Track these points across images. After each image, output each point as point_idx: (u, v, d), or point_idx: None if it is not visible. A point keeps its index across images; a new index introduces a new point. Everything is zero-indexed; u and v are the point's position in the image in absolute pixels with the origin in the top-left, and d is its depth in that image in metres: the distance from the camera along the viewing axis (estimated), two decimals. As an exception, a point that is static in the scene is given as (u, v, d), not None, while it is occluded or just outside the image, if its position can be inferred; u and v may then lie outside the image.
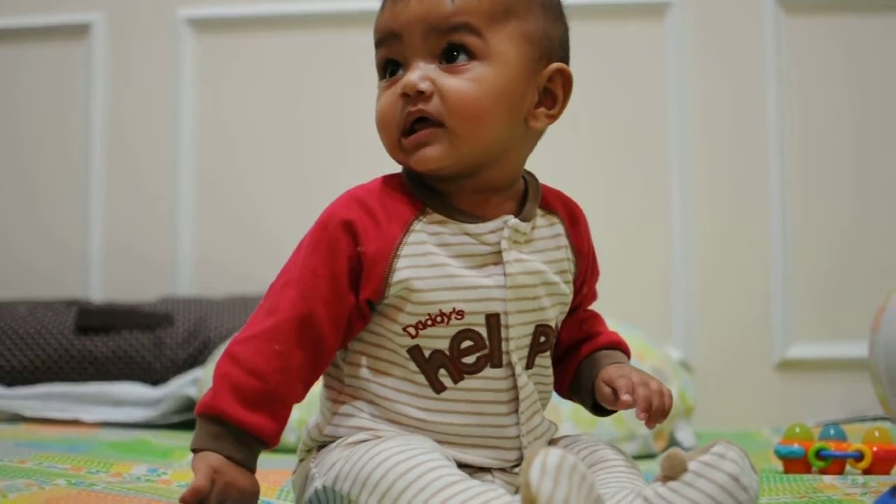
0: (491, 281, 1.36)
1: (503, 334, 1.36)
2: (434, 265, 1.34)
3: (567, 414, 2.29)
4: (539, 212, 1.44)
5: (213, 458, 1.30)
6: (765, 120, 3.25)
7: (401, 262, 1.34)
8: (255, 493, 1.31)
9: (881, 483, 1.67)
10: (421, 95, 1.34)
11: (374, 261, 1.33)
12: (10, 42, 3.51)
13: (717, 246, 3.25)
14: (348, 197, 1.38)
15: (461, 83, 1.34)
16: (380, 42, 1.40)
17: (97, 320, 2.94)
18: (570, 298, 1.47)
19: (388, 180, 1.41)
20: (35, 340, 2.90)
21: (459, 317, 1.34)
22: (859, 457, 1.91)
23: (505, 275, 1.36)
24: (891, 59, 3.25)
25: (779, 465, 1.99)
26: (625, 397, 1.37)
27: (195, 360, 2.88)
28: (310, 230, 1.38)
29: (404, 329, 1.35)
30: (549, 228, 1.45)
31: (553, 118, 1.44)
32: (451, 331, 1.34)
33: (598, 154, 3.25)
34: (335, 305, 1.33)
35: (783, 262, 3.22)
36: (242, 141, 3.44)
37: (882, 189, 3.23)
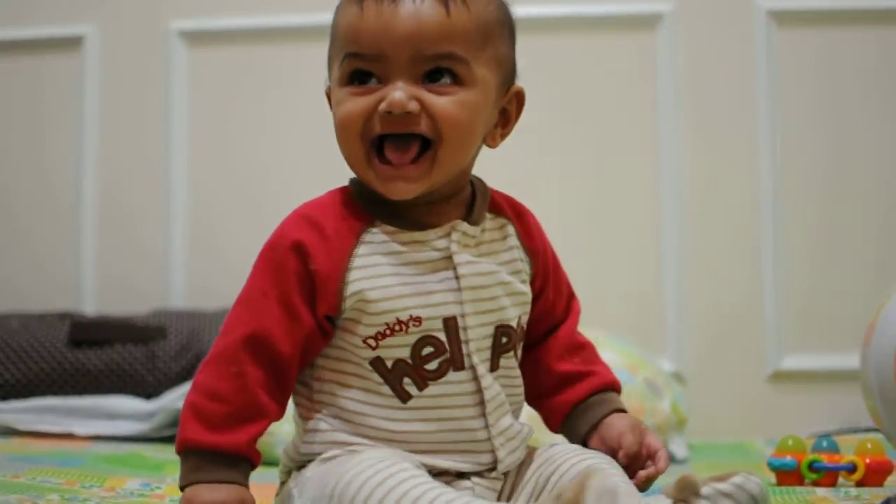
0: (444, 285, 1.38)
1: (462, 336, 1.38)
2: (386, 275, 1.36)
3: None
4: (488, 215, 1.46)
5: (189, 491, 1.31)
6: (756, 132, 3.26)
7: (353, 275, 1.35)
8: (241, 501, 1.31)
9: (874, 495, 1.67)
10: (408, 115, 1.33)
11: (326, 277, 1.35)
12: (2, 54, 3.51)
13: (709, 258, 3.25)
14: (296, 216, 1.40)
15: (451, 105, 1.35)
16: (355, 55, 1.37)
17: (90, 333, 2.94)
18: (528, 297, 1.48)
19: (337, 194, 1.43)
20: (28, 354, 2.89)
21: (417, 323, 1.35)
22: (852, 469, 1.91)
23: (457, 277, 1.38)
24: (882, 73, 3.25)
25: (771, 478, 1.99)
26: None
27: (188, 374, 2.88)
28: (261, 251, 1.41)
29: (364, 341, 1.36)
30: (499, 231, 1.47)
31: (506, 136, 1.47)
32: (411, 339, 1.36)
33: (588, 165, 3.26)
34: (288, 324, 1.34)
35: (775, 275, 3.22)
36: (234, 152, 3.44)
37: (877, 201, 3.23)
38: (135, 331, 2.96)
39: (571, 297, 1.60)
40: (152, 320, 3.04)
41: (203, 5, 3.48)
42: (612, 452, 1.44)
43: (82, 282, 3.42)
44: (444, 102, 1.34)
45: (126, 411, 2.77)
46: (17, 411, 2.77)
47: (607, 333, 2.68)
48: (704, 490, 1.21)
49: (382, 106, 1.33)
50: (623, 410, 1.52)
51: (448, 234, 1.39)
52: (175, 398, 2.74)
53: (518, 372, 1.47)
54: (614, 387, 1.54)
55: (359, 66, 1.37)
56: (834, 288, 3.20)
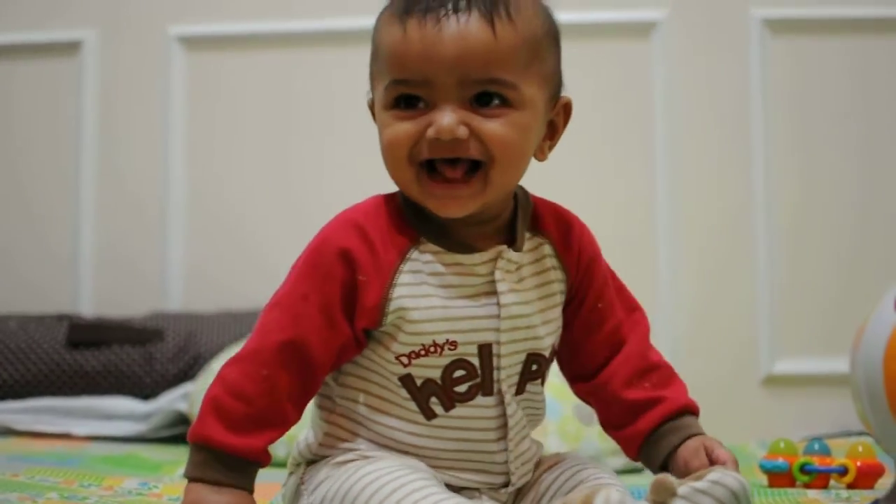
0: (484, 311, 1.36)
1: (495, 364, 1.37)
2: (429, 295, 1.34)
3: (553, 428, 2.31)
4: (527, 234, 1.44)
5: (193, 492, 1.31)
6: (750, 139, 3.27)
7: (397, 291, 1.33)
8: None
9: (864, 498, 1.68)
10: (457, 141, 1.30)
11: (371, 290, 1.33)
12: (1, 59, 3.52)
13: (702, 263, 3.26)
14: (345, 221, 1.36)
15: (501, 128, 1.31)
16: (401, 81, 1.33)
17: (88, 335, 2.94)
18: (560, 323, 1.46)
19: (384, 204, 1.39)
20: (26, 355, 2.90)
21: (452, 347, 1.34)
22: (843, 471, 1.92)
23: (499, 305, 1.37)
24: (876, 80, 3.27)
25: (763, 480, 2.00)
26: None
27: (185, 375, 2.89)
28: (305, 252, 1.37)
29: (397, 358, 1.35)
30: (536, 252, 1.45)
31: (552, 148, 1.46)
32: (444, 361, 1.35)
33: (584, 172, 3.27)
34: (326, 332, 1.33)
35: (770, 280, 3.24)
36: (232, 157, 3.45)
37: (869, 207, 3.25)
38: (132, 332, 2.97)
39: (634, 309, 1.57)
40: (150, 322, 3.05)
41: (202, 11, 3.48)
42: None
43: (80, 286, 3.43)
44: (493, 127, 1.31)
45: (123, 412, 2.78)
46: (15, 412, 2.78)
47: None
48: (681, 490, 1.21)
49: (430, 132, 1.30)
50: (697, 433, 1.45)
51: (493, 261, 1.37)
52: (172, 399, 2.75)
53: (542, 396, 1.46)
54: (689, 410, 1.48)
55: (405, 91, 1.33)
56: (826, 293, 3.21)
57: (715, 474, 1.22)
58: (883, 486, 1.90)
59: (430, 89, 1.31)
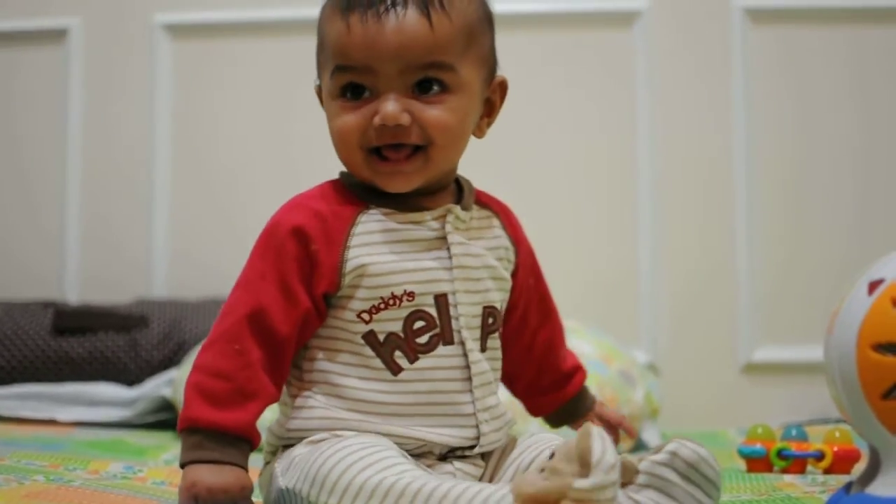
0: (437, 263, 1.43)
1: (452, 313, 1.43)
2: (383, 252, 1.41)
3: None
4: (475, 206, 1.51)
5: (191, 473, 1.32)
6: (730, 128, 3.29)
7: (352, 253, 1.40)
8: (243, 486, 1.33)
9: (840, 482, 1.69)
10: (400, 127, 1.38)
11: (326, 255, 1.39)
12: (-13, 46, 3.53)
13: (683, 251, 3.28)
14: (293, 204, 1.45)
15: (440, 114, 1.40)
16: (345, 68, 1.41)
17: (73, 322, 2.95)
18: (509, 284, 1.53)
19: (329, 186, 1.49)
20: (12, 341, 2.90)
21: (410, 298, 1.40)
22: (820, 456, 1.95)
23: (450, 256, 1.43)
24: (854, 70, 3.29)
25: (742, 465, 2.03)
26: None
27: (170, 362, 2.90)
28: (259, 237, 1.45)
29: (358, 315, 1.40)
30: (486, 220, 1.53)
31: (490, 125, 1.53)
32: (403, 312, 1.40)
33: (566, 160, 3.29)
34: (286, 304, 1.38)
35: (749, 268, 3.26)
36: (218, 145, 3.45)
37: (848, 195, 3.27)
38: (117, 319, 2.97)
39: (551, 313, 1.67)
40: (135, 309, 3.05)
41: (187, -1, 3.50)
42: None
43: (65, 272, 3.43)
44: (434, 114, 1.40)
45: (108, 398, 2.78)
46: (0, 398, 2.79)
47: (583, 325, 2.72)
48: (642, 465, 1.25)
49: (376, 120, 1.39)
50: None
51: (443, 216, 1.44)
52: (157, 385, 2.75)
53: (500, 352, 1.51)
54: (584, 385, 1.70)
55: (350, 79, 1.41)
56: (805, 281, 3.23)
57: (672, 445, 1.26)
58: (859, 471, 1.92)
59: (373, 77, 1.40)
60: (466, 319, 1.44)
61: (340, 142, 1.44)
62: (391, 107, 1.38)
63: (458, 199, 1.50)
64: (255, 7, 3.45)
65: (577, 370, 1.68)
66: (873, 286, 1.19)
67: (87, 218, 3.46)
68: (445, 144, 1.41)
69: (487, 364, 1.46)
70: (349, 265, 1.39)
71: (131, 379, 2.90)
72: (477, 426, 1.42)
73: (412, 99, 1.40)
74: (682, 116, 3.32)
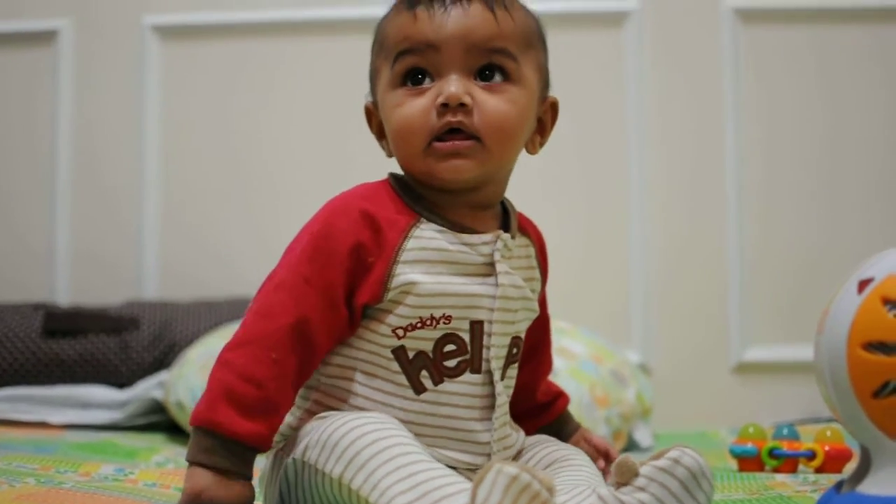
0: (482, 290, 1.41)
1: (485, 342, 1.41)
2: (432, 272, 1.38)
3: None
4: (518, 234, 1.51)
5: (200, 477, 1.30)
6: (722, 128, 3.29)
7: (400, 268, 1.37)
8: (247, 501, 1.31)
9: (831, 481, 1.69)
10: (462, 108, 1.38)
11: (375, 267, 1.37)
12: (-24, 48, 3.52)
13: (674, 251, 3.28)
14: (349, 207, 1.40)
15: (500, 102, 1.40)
16: (409, 51, 1.41)
17: (64, 324, 2.94)
18: (536, 315, 1.53)
19: (381, 188, 1.45)
20: (2, 344, 2.89)
21: (447, 321, 1.39)
22: (811, 456, 1.95)
23: (497, 285, 1.42)
24: (846, 70, 3.29)
25: (733, 464, 2.03)
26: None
27: (161, 364, 2.89)
28: (307, 233, 1.40)
29: (393, 331, 1.38)
30: (525, 248, 1.52)
31: (543, 145, 1.54)
32: (437, 334, 1.39)
33: (555, 160, 3.28)
34: (327, 314, 1.35)
35: (740, 267, 3.26)
36: (207, 147, 3.45)
37: (838, 195, 3.28)
38: (108, 321, 2.97)
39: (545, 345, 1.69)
40: (125, 311, 3.05)
41: (177, 1, 3.49)
42: None
43: (55, 275, 3.43)
44: (494, 102, 1.40)
45: (99, 400, 2.78)
46: (-9, 400, 2.79)
47: (575, 325, 2.72)
48: (643, 470, 1.25)
49: (440, 99, 1.38)
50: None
51: (493, 242, 1.43)
52: (148, 387, 2.75)
53: (515, 382, 1.52)
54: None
55: (412, 62, 1.41)
56: (797, 281, 3.23)
57: (674, 452, 1.25)
58: (851, 470, 1.93)
59: (437, 58, 1.40)
60: (497, 350, 1.42)
61: (401, 129, 1.42)
62: (454, 86, 1.38)
63: (504, 222, 1.49)
64: (244, 9, 3.45)
65: (558, 398, 1.69)
66: (863, 285, 1.19)
67: (77, 220, 3.45)
68: (502, 138, 1.41)
69: (505, 394, 1.45)
70: (396, 280, 1.37)
71: (122, 381, 2.90)
72: (489, 455, 1.42)
73: (474, 84, 1.40)
74: (672, 116, 3.32)
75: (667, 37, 3.34)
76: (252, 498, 1.32)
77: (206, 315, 3.03)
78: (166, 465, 2.10)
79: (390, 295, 1.37)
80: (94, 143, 3.47)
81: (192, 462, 1.31)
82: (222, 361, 1.33)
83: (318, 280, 1.35)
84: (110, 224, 3.45)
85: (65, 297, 3.41)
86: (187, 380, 2.48)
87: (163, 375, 2.76)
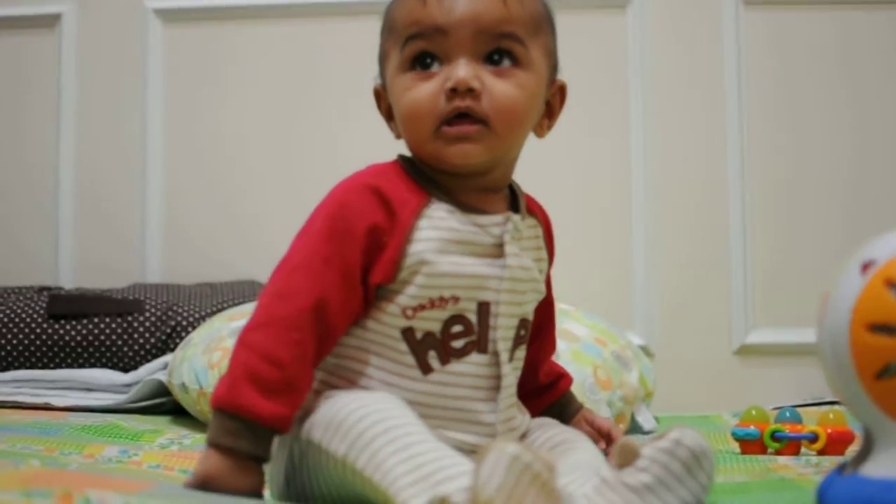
0: (490, 271, 1.41)
1: (491, 323, 1.41)
2: (444, 252, 1.39)
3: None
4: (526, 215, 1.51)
5: (214, 462, 1.28)
6: (726, 111, 3.29)
7: (415, 247, 1.37)
8: (253, 492, 1.29)
9: (834, 464, 1.70)
10: (471, 93, 1.38)
11: (389, 247, 1.37)
12: (-21, 32, 3.52)
13: (677, 233, 3.29)
14: (363, 186, 1.40)
15: (508, 87, 1.41)
16: (418, 35, 1.41)
17: (68, 307, 2.95)
18: (543, 296, 1.54)
19: (391, 168, 1.45)
20: (7, 327, 2.90)
21: (455, 302, 1.39)
22: (814, 438, 1.96)
23: (505, 266, 1.42)
24: (847, 53, 3.29)
25: (736, 447, 2.03)
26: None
27: (165, 346, 2.90)
28: (321, 214, 1.39)
29: (403, 311, 1.38)
30: (532, 229, 1.52)
31: (551, 128, 1.56)
32: (445, 314, 1.39)
33: (559, 142, 3.27)
34: (345, 294, 1.35)
35: (743, 250, 3.26)
36: (212, 131, 3.45)
37: (840, 178, 3.28)
38: (112, 304, 2.97)
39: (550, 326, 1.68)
40: (129, 294, 3.05)
41: (179, -16, 3.49)
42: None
43: (60, 259, 3.44)
44: (502, 85, 1.40)
45: (103, 383, 2.78)
46: (-5, 384, 2.79)
47: (577, 307, 2.72)
48: (645, 451, 1.25)
49: (448, 84, 1.38)
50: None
51: (504, 223, 1.44)
52: (152, 370, 2.76)
53: (522, 363, 1.52)
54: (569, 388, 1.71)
55: (421, 46, 1.41)
56: (799, 263, 3.23)
57: (675, 433, 1.26)
58: (853, 452, 1.93)
59: (446, 41, 1.40)
60: (503, 331, 1.43)
61: (410, 113, 1.42)
62: (463, 71, 1.38)
63: (512, 204, 1.50)
64: (247, -8, 3.45)
65: (561, 378, 1.69)
66: (865, 267, 1.20)
67: (82, 204, 3.46)
68: (511, 123, 1.41)
69: (513, 376, 1.46)
70: (409, 259, 1.37)
71: (126, 364, 2.90)
72: (494, 436, 1.41)
73: (482, 68, 1.40)
74: (675, 101, 3.32)
75: (670, 20, 3.34)
76: (261, 486, 1.31)
77: (210, 297, 3.03)
78: (170, 447, 2.10)
79: (402, 275, 1.37)
80: (96, 127, 3.48)
81: (213, 444, 1.29)
82: (243, 343, 1.32)
83: (337, 260, 1.35)
84: (115, 207, 3.46)
85: (69, 280, 3.41)
86: (191, 362, 2.48)
87: (167, 358, 2.76)
